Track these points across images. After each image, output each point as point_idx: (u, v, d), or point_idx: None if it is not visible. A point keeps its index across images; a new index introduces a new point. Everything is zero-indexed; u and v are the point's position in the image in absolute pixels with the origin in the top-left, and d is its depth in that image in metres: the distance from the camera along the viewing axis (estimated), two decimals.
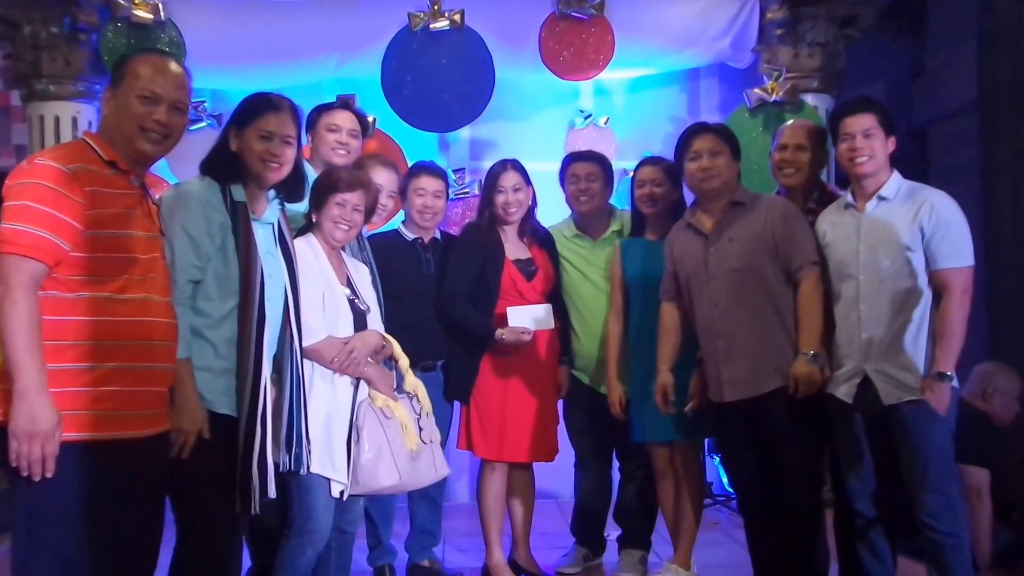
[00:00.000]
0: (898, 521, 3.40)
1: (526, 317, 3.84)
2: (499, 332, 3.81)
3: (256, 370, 2.70)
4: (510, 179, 3.93)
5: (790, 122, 4.04)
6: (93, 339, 2.32)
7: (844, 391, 3.32)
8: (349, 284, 3.23)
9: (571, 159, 4.19)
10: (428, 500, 4.08)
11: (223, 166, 2.81)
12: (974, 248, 3.26)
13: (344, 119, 3.67)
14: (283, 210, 3.00)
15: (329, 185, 3.19)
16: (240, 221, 2.74)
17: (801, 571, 3.44)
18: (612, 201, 4.29)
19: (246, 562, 3.26)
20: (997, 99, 6.98)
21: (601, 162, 4.16)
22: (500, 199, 3.93)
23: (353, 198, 3.18)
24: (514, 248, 3.99)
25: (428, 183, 4.03)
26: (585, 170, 4.09)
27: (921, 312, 3.22)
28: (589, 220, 4.15)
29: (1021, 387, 4.47)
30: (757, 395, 3.39)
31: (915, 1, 7.64)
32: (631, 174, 4.20)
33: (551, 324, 3.90)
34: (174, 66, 2.56)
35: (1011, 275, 6.41)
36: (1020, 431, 4.74)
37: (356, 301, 3.21)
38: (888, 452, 3.30)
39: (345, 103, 3.90)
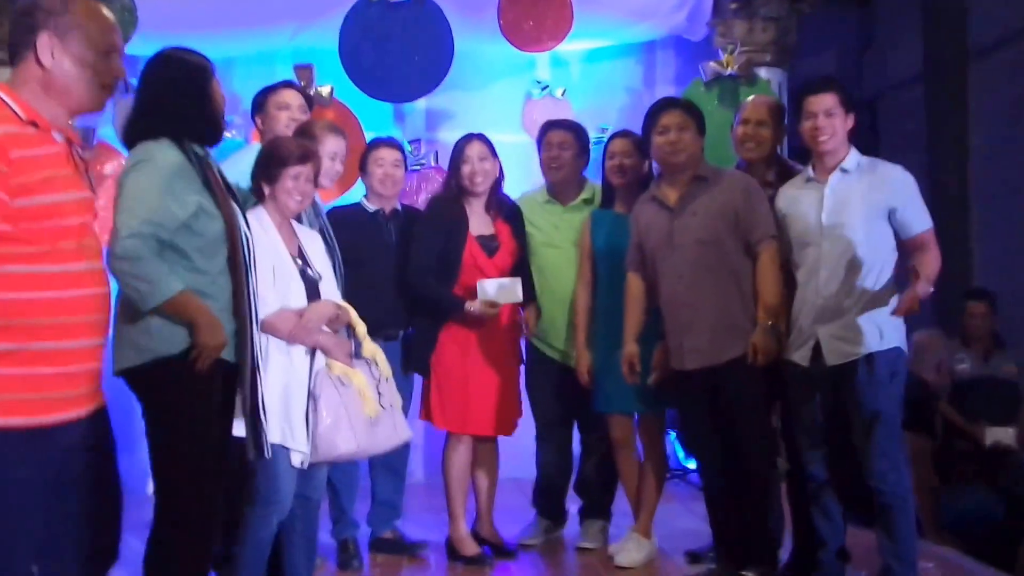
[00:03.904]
0: (850, 491, 3.54)
1: (494, 290, 3.86)
2: (468, 304, 3.85)
3: (252, 317, 2.78)
4: (475, 149, 3.95)
5: (752, 98, 4.14)
6: (19, 318, 2.18)
7: (800, 355, 3.45)
8: (301, 254, 3.24)
9: (547, 127, 4.26)
10: (391, 472, 4.13)
11: (200, 127, 2.78)
12: None
13: (292, 96, 3.74)
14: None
15: (282, 159, 3.18)
16: (211, 176, 2.75)
17: (756, 531, 3.56)
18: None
19: None
20: (942, 72, 7.15)
21: (576, 131, 4.22)
22: (466, 169, 3.94)
23: (306, 170, 3.20)
24: (479, 222, 3.99)
25: (386, 154, 4.10)
26: (558, 138, 4.17)
27: (876, 278, 3.38)
28: (559, 187, 4.21)
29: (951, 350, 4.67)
30: (717, 363, 3.50)
31: None
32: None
33: (519, 297, 3.92)
34: (109, 11, 2.44)
35: (954, 245, 6.60)
36: (957, 400, 4.95)
37: (308, 271, 3.22)
38: (840, 418, 3.44)
39: (289, 82, 3.93)
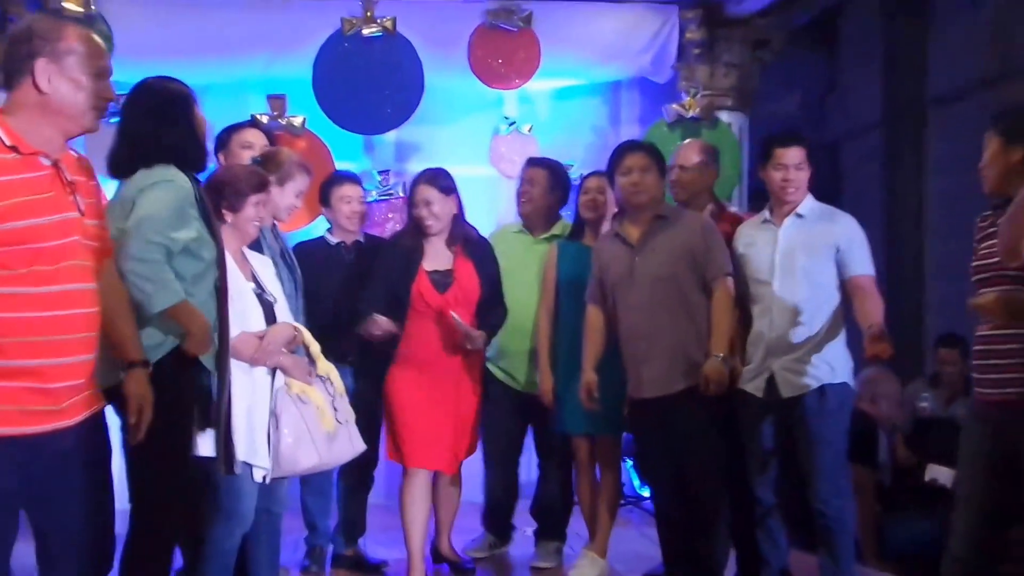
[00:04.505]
0: (794, 516, 3.74)
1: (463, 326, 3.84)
2: (373, 322, 3.79)
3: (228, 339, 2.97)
4: (422, 194, 3.92)
5: (685, 142, 4.38)
6: None
7: (755, 386, 3.66)
8: (255, 278, 3.35)
9: (527, 163, 4.49)
10: (355, 491, 4.25)
11: (192, 154, 2.95)
12: (877, 258, 3.73)
13: (256, 136, 3.83)
14: None
15: (245, 189, 3.28)
16: (208, 205, 2.93)
17: (704, 555, 3.70)
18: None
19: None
20: (901, 119, 7.38)
21: (550, 169, 4.41)
22: (415, 212, 3.96)
23: (264, 197, 3.34)
24: (436, 257, 3.96)
25: (352, 191, 4.24)
26: (529, 174, 4.39)
27: (826, 316, 3.62)
28: (529, 220, 4.41)
29: (900, 390, 4.81)
30: (672, 392, 3.66)
31: (827, 20, 8.00)
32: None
33: (478, 346, 3.91)
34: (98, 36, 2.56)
35: (909, 287, 6.79)
36: (916, 438, 5.11)
37: (263, 295, 3.33)
38: (789, 447, 3.64)
39: (254, 121, 4.00)
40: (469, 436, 4.05)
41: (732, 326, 3.66)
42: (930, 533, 4.62)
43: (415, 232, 3.99)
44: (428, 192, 3.91)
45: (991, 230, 2.86)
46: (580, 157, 5.78)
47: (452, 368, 3.95)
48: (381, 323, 3.78)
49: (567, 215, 4.53)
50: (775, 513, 3.70)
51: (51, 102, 2.35)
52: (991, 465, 2.86)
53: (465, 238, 4.03)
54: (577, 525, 4.38)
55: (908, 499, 4.77)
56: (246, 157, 3.70)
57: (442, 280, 3.93)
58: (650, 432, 3.78)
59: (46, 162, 2.33)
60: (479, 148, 5.77)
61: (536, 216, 4.36)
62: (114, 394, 2.76)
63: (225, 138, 3.83)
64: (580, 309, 3.98)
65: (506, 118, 5.89)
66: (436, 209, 3.90)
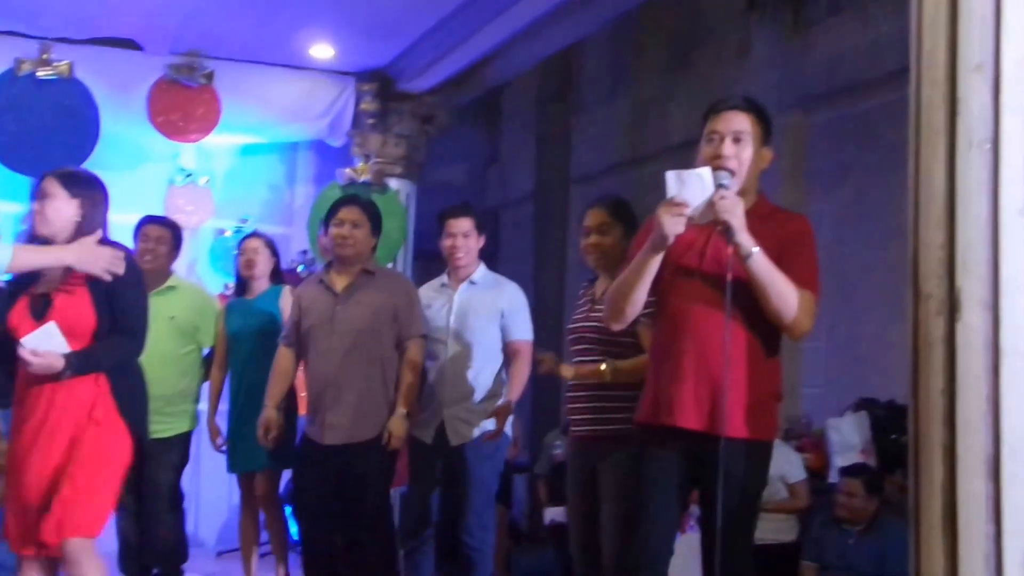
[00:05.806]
0: (442, 549, 4.18)
1: (33, 342, 3.06)
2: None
3: None
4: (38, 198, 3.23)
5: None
6: None
7: (426, 433, 4.03)
8: None
9: (144, 221, 4.44)
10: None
11: None
12: None
13: None
14: None
15: None
16: None
17: None
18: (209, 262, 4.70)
19: None
20: (548, 193, 8.30)
21: (172, 228, 4.49)
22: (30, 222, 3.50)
23: None
24: (50, 280, 3.17)
25: None
26: (155, 233, 4.38)
27: (491, 373, 4.05)
28: (150, 277, 4.24)
29: (522, 432, 5.51)
30: (353, 442, 3.87)
31: (491, 99, 8.80)
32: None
33: (53, 345, 3.07)
34: None
35: (548, 343, 7.56)
36: (553, 479, 5.79)
37: None
38: (446, 487, 4.06)
39: None
40: (84, 502, 3.06)
41: (417, 383, 3.95)
42: (551, 562, 5.32)
43: None
44: (42, 191, 3.20)
45: (586, 298, 3.45)
46: (256, 212, 6.02)
47: (64, 413, 3.11)
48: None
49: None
50: (426, 548, 4.09)
51: None
52: (581, 487, 3.40)
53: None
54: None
55: (536, 534, 5.44)
56: None
57: (37, 304, 3.17)
58: (321, 476, 3.92)
59: None
60: (154, 197, 5.80)
61: (156, 273, 4.34)
62: None
63: None
64: (247, 358, 4.27)
65: (182, 169, 6.01)
66: (49, 213, 3.17)
